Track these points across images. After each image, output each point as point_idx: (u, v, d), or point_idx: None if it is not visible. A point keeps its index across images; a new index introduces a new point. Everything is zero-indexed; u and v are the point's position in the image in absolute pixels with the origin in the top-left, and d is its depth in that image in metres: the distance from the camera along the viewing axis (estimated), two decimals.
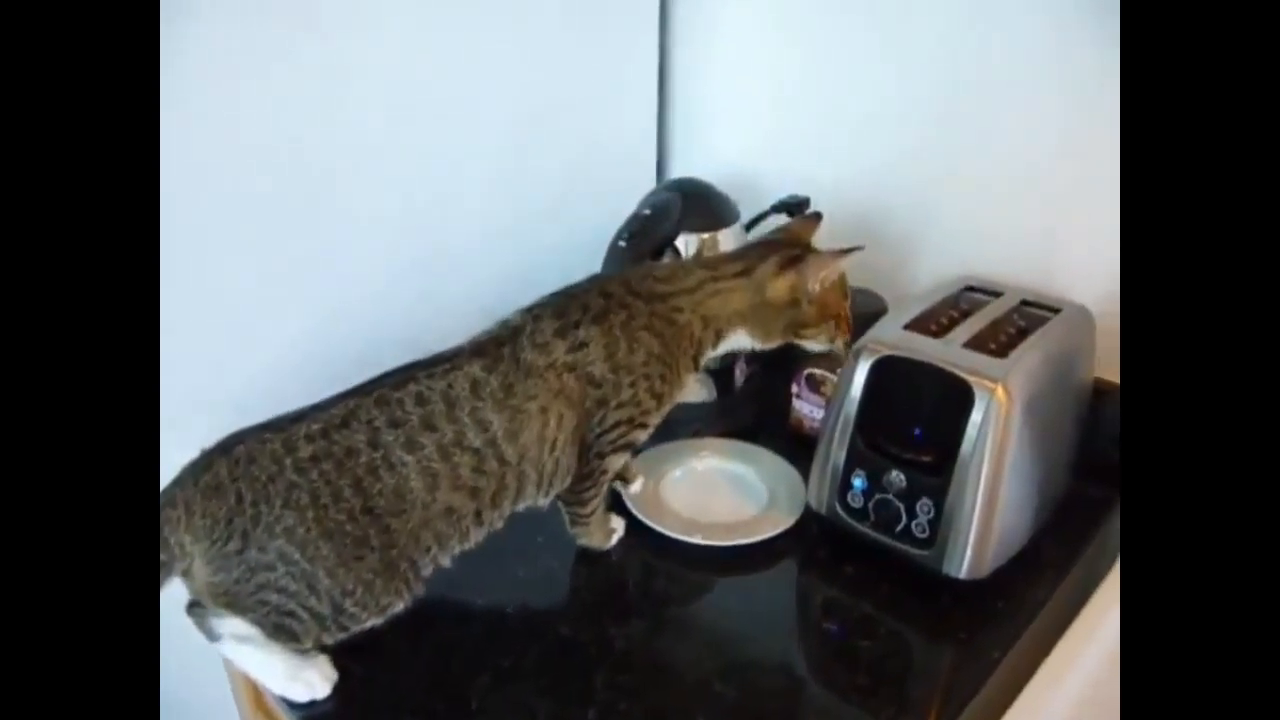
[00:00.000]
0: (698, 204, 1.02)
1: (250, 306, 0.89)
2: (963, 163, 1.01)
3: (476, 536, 0.77)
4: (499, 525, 0.78)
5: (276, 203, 0.87)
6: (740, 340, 0.85)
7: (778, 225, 1.10)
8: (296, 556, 0.67)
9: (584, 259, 0.98)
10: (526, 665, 0.75)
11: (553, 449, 0.77)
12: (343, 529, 0.68)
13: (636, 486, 0.92)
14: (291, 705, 0.71)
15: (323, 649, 0.73)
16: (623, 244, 0.94)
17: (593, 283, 0.82)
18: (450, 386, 0.73)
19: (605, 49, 1.13)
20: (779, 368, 1.02)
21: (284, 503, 0.67)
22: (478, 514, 0.75)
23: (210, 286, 0.85)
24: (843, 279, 0.87)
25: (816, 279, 0.83)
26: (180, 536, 0.67)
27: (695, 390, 1.08)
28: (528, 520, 0.81)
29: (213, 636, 0.71)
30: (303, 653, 0.72)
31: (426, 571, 0.75)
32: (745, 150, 1.23)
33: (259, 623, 0.69)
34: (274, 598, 0.68)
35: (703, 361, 0.85)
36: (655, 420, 0.83)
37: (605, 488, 0.84)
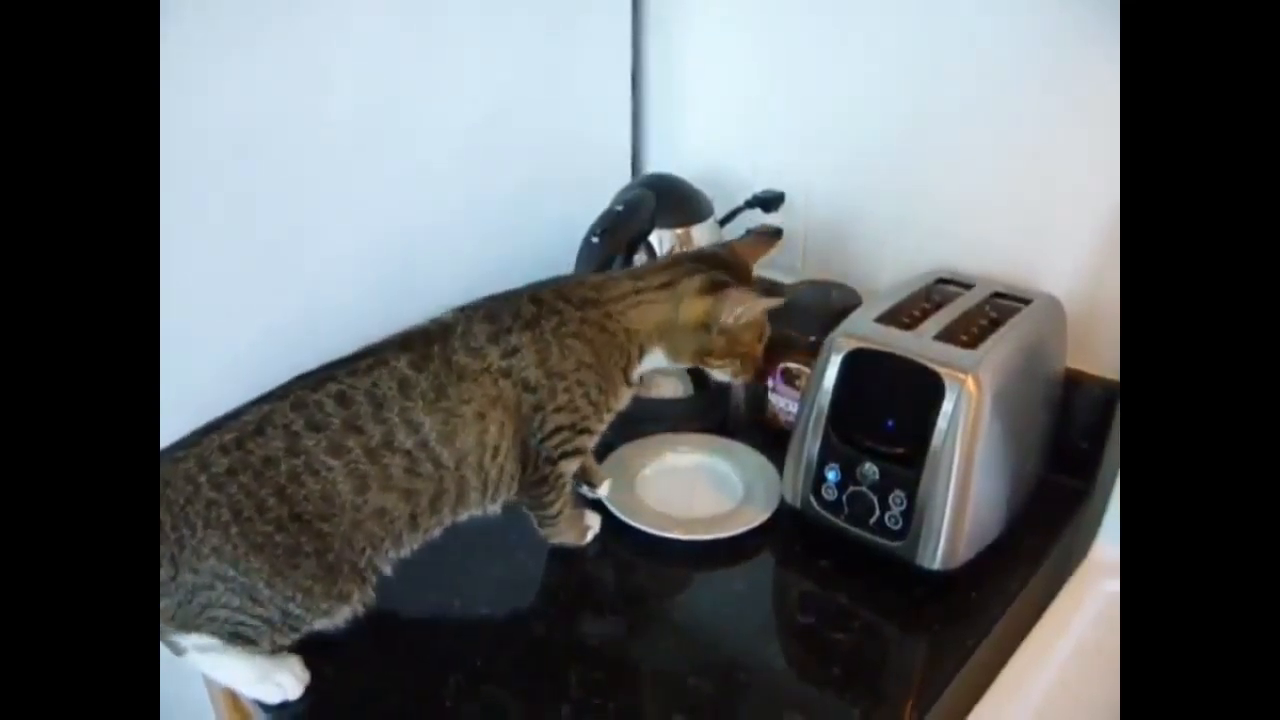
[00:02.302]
0: (671, 200, 1.02)
1: (216, 299, 0.87)
2: (936, 156, 1.01)
3: (411, 543, 0.75)
4: (436, 533, 0.76)
5: (247, 193, 0.86)
6: (658, 358, 0.83)
7: (748, 226, 1.11)
8: (231, 573, 0.66)
9: (557, 254, 0.98)
10: (500, 665, 0.74)
11: (495, 455, 0.75)
12: (272, 540, 0.67)
13: (603, 490, 0.91)
14: (265, 707, 0.70)
15: (295, 649, 0.72)
16: (595, 240, 0.94)
17: (525, 289, 0.80)
18: (375, 385, 0.71)
19: (578, 44, 1.13)
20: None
21: (205, 523, 0.65)
22: (413, 517, 0.73)
23: (176, 280, 0.83)
24: (762, 322, 0.84)
25: (732, 313, 0.80)
26: None
27: (672, 386, 1.08)
28: (501, 518, 0.80)
29: (178, 651, 0.70)
30: (272, 655, 0.71)
31: (370, 575, 0.73)
32: (719, 145, 1.22)
33: (215, 633, 0.69)
34: (220, 613, 0.67)
35: (633, 375, 0.83)
36: (599, 426, 0.82)
37: (566, 491, 0.83)
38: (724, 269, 0.83)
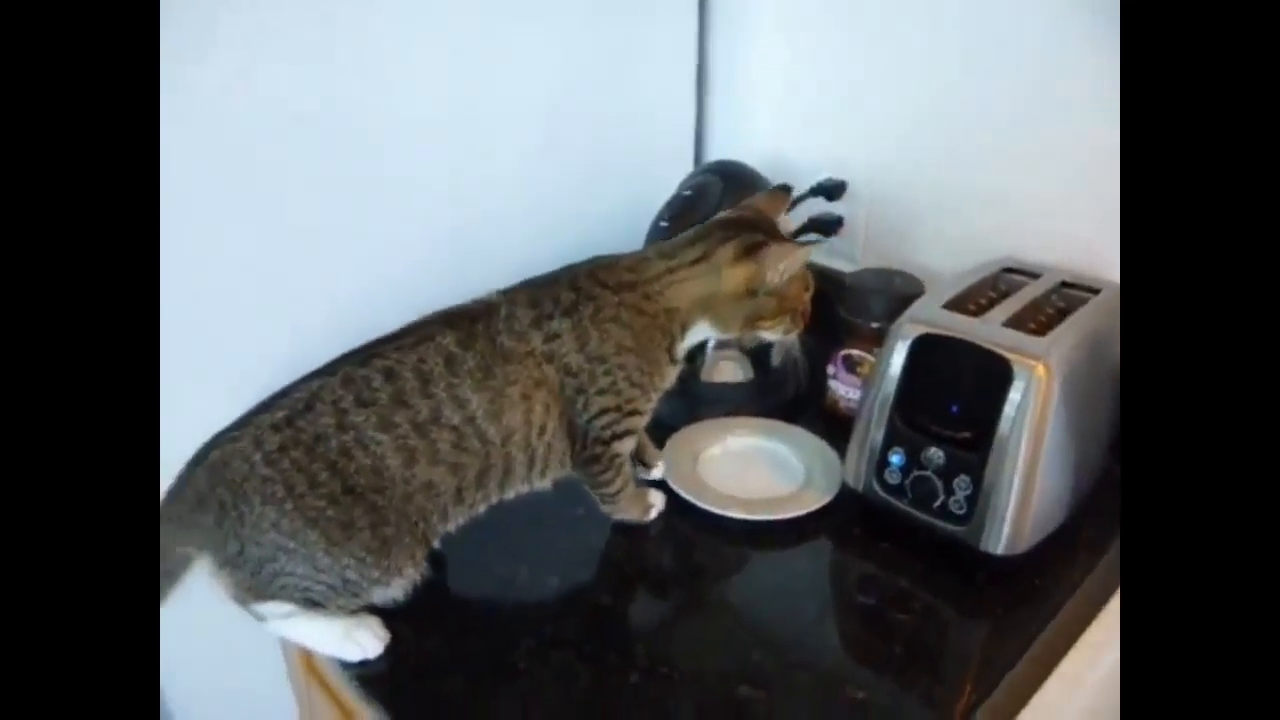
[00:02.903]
0: (737, 186, 1.02)
1: (287, 275, 0.90)
2: (1000, 144, 1.01)
3: (457, 517, 0.77)
4: (481, 509, 0.78)
5: (321, 172, 0.89)
6: (704, 330, 0.83)
7: (810, 214, 1.12)
8: (291, 545, 0.69)
9: (621, 238, 1.00)
10: (569, 632, 0.77)
11: (541, 433, 0.77)
12: (325, 513, 0.69)
13: (658, 471, 0.92)
14: (346, 665, 0.73)
15: (373, 611, 0.75)
16: (665, 224, 0.95)
17: (565, 272, 0.81)
18: (422, 361, 0.73)
19: (644, 31, 1.14)
20: (815, 348, 1.03)
21: (262, 499, 0.68)
22: (459, 492, 0.75)
23: (248, 255, 0.86)
24: (805, 273, 0.84)
25: (776, 270, 0.79)
26: (183, 549, 0.71)
27: (732, 370, 1.09)
28: (567, 493, 0.83)
29: (261, 619, 0.74)
30: (353, 614, 0.74)
31: (421, 548, 0.75)
32: (781, 133, 1.23)
33: (289, 600, 0.72)
34: (289, 580, 0.70)
35: (678, 353, 0.83)
36: (646, 406, 0.82)
37: (625, 471, 0.83)
38: (753, 229, 0.82)
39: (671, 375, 0.84)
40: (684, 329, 0.82)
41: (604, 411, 0.78)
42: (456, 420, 0.73)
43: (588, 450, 0.80)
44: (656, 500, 0.89)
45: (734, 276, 0.80)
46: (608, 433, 0.79)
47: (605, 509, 0.86)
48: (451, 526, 0.77)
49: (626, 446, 0.82)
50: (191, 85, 0.78)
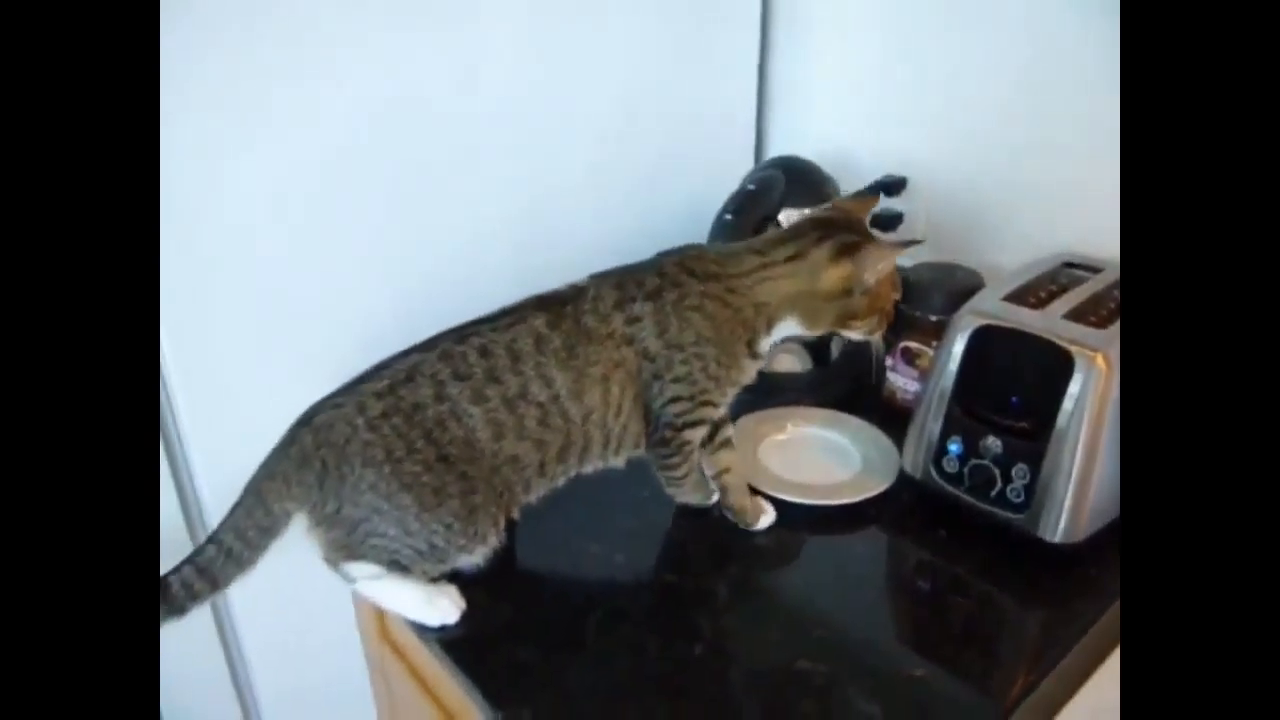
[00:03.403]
0: (800, 181, 1.05)
1: (379, 260, 0.97)
2: (1061, 140, 1.02)
3: (539, 489, 0.80)
4: (560, 482, 0.81)
5: (408, 166, 0.95)
6: (791, 328, 0.83)
7: (872, 211, 1.13)
8: (385, 507, 0.73)
9: (685, 231, 1.03)
10: (636, 607, 0.80)
11: (618, 414, 0.80)
12: (419, 479, 0.73)
13: (764, 523, 0.89)
14: (426, 630, 0.78)
15: (452, 579, 0.79)
16: (729, 217, 0.98)
17: (655, 259, 0.83)
18: (515, 340, 0.76)
19: (708, 28, 1.17)
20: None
21: (363, 461, 0.73)
22: (541, 465, 0.79)
23: (321, 246, 0.93)
24: (894, 272, 0.84)
25: (874, 270, 0.80)
26: (284, 505, 0.75)
27: (791, 361, 1.12)
28: (635, 475, 0.86)
29: (349, 580, 0.79)
30: (432, 583, 0.79)
31: (503, 518, 0.78)
32: (843, 130, 1.25)
33: (376, 561, 0.76)
34: (379, 541, 0.75)
35: (760, 348, 0.83)
36: (721, 399, 0.83)
37: (693, 458, 0.85)
38: (846, 229, 0.82)
39: (751, 371, 0.84)
40: (770, 325, 0.82)
41: (677, 399, 0.80)
42: (543, 397, 0.76)
43: (658, 433, 0.82)
44: (765, 516, 0.88)
45: (830, 275, 0.80)
46: (680, 420, 0.81)
47: (669, 491, 0.88)
48: (533, 497, 0.81)
49: (697, 435, 0.83)
50: (290, 78, 0.84)
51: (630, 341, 0.78)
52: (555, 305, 0.79)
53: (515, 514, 0.81)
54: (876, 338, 0.87)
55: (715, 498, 0.91)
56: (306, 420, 0.76)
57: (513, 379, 0.75)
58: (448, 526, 0.75)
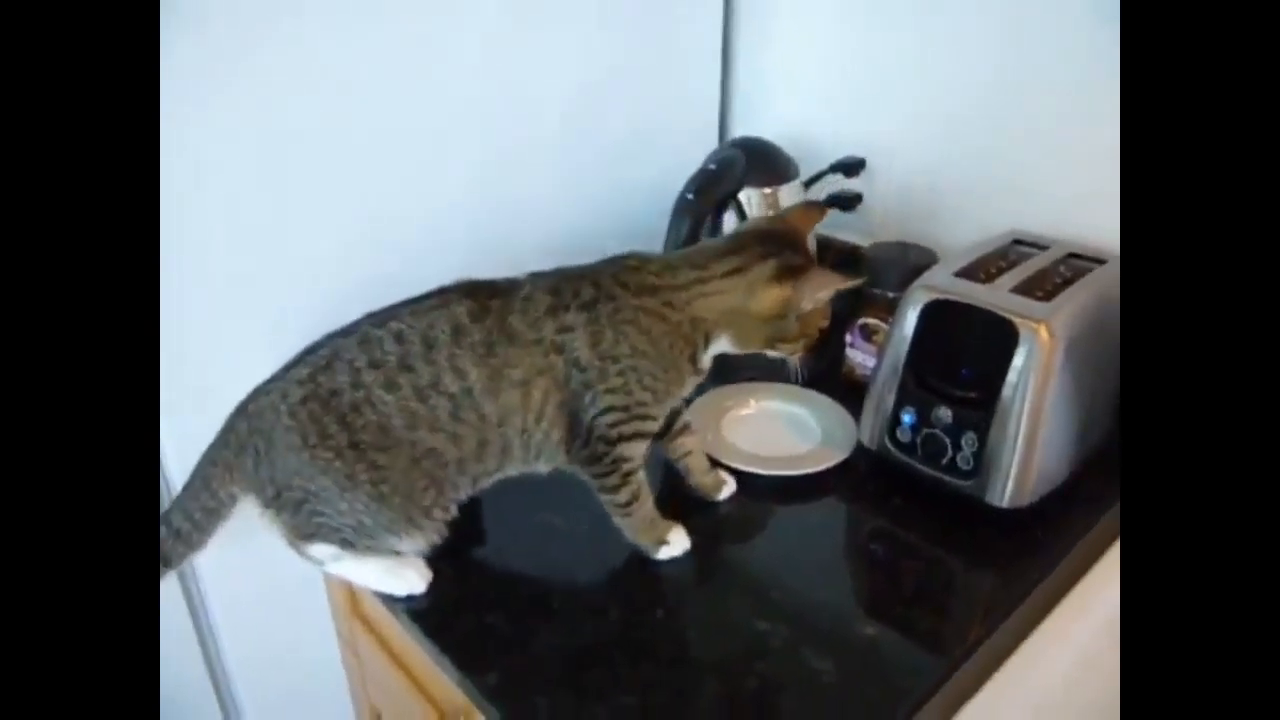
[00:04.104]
0: (760, 161, 1.08)
1: (324, 254, 0.97)
2: (1014, 122, 1.05)
3: (465, 487, 0.79)
4: (487, 483, 0.80)
5: (355, 153, 0.96)
6: (724, 345, 0.81)
7: (829, 190, 1.16)
8: (312, 489, 0.74)
9: (650, 210, 1.05)
10: (600, 574, 0.83)
11: (539, 419, 0.77)
12: (332, 465, 0.73)
13: (725, 494, 0.90)
14: (393, 600, 0.80)
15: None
16: (690, 197, 1.00)
17: (590, 269, 0.80)
18: (431, 327, 0.74)
19: (672, 13, 1.19)
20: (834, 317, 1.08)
21: (285, 446, 0.73)
22: (460, 462, 0.77)
23: (282, 233, 0.94)
24: (829, 302, 0.82)
25: (812, 298, 0.78)
26: (228, 490, 0.77)
27: None
28: None
29: (317, 562, 0.80)
30: (399, 556, 0.80)
31: (436, 513, 0.78)
32: (803, 112, 1.28)
33: (329, 541, 0.77)
34: (323, 520, 0.76)
35: (702, 362, 0.81)
36: (658, 411, 0.80)
37: (635, 482, 0.80)
38: (790, 247, 0.80)
39: (691, 384, 0.83)
40: (707, 340, 0.80)
41: (610, 409, 0.77)
42: (454, 389, 0.74)
43: (590, 448, 0.78)
44: (675, 542, 0.83)
45: (768, 296, 0.78)
46: (614, 432, 0.78)
47: (617, 520, 0.82)
48: (463, 495, 0.79)
49: (634, 450, 0.79)
50: (237, 69, 0.85)
51: (560, 350, 0.76)
52: (483, 296, 0.77)
53: (451, 509, 0.79)
54: (794, 359, 0.86)
55: (665, 553, 0.83)
56: (243, 408, 0.77)
57: (425, 368, 0.74)
58: (366, 511, 0.75)
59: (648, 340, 0.77)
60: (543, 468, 0.81)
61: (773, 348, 0.83)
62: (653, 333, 0.77)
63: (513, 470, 0.81)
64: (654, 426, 0.81)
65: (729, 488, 0.91)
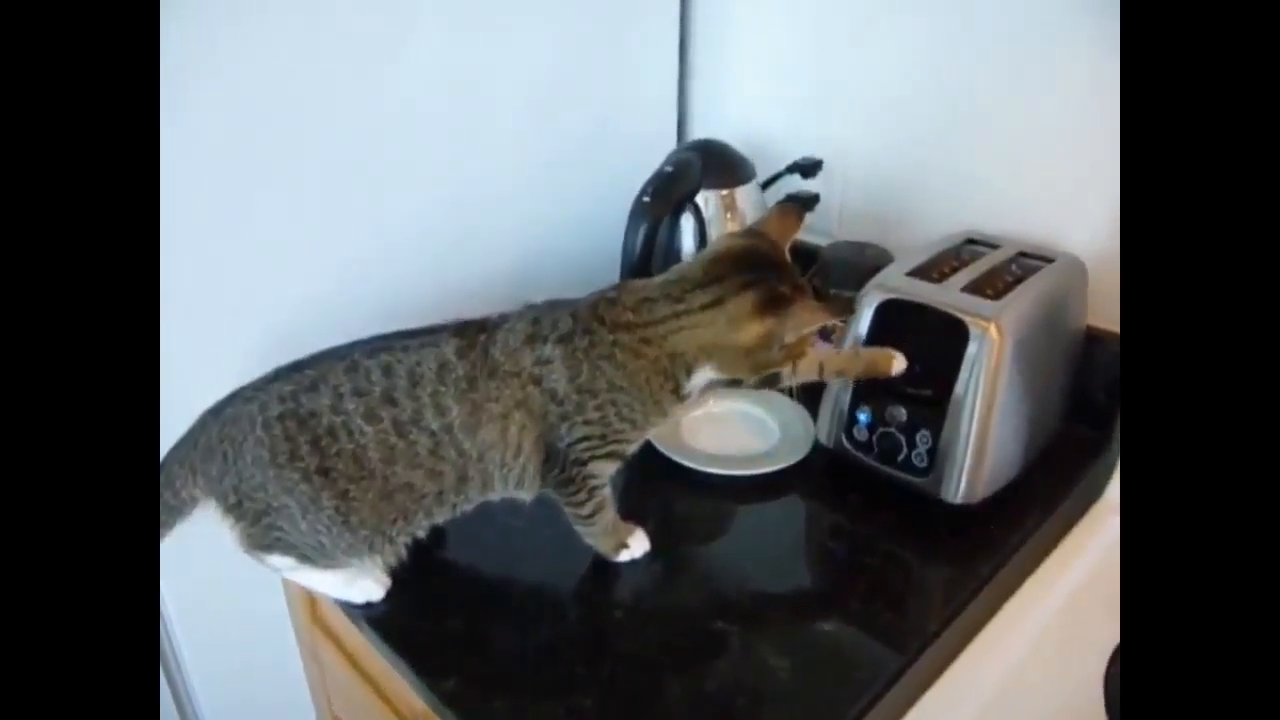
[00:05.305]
0: (717, 163, 1.09)
1: (285, 253, 0.96)
2: (967, 124, 1.07)
3: (440, 515, 0.78)
4: (468, 508, 0.80)
5: (317, 155, 0.95)
6: (709, 374, 0.78)
7: (787, 191, 1.17)
8: (275, 505, 0.74)
9: (609, 212, 1.06)
10: (560, 576, 0.83)
11: (517, 454, 0.76)
12: (296, 486, 0.72)
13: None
14: (353, 609, 0.79)
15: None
16: (647, 199, 1.01)
17: (572, 302, 0.78)
18: (419, 364, 0.74)
19: (629, 14, 1.19)
20: None
21: (251, 460, 0.72)
22: (440, 494, 0.76)
23: (244, 233, 0.93)
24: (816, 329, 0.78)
25: (797, 332, 0.75)
26: (190, 491, 0.75)
27: None
28: None
29: (272, 569, 0.79)
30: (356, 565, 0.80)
31: (401, 540, 0.78)
32: (761, 113, 1.29)
33: (286, 553, 0.76)
34: (281, 534, 0.75)
35: (685, 391, 0.78)
36: (635, 436, 0.79)
37: (601, 496, 0.80)
38: (771, 268, 0.76)
39: (676, 412, 0.80)
40: (689, 372, 0.77)
41: (587, 438, 0.76)
42: (435, 426, 0.73)
43: (565, 472, 0.77)
44: (635, 545, 0.84)
45: (751, 329, 0.75)
46: (586, 454, 0.77)
47: (578, 529, 0.82)
48: (439, 520, 0.79)
49: (604, 469, 0.79)
50: (192, 77, 0.83)
51: (538, 381, 0.75)
52: (472, 333, 0.76)
53: (422, 534, 0.79)
54: (791, 380, 0.82)
55: (625, 556, 0.84)
56: (217, 411, 0.76)
57: (408, 403, 0.73)
58: (325, 534, 0.75)
59: (624, 375, 0.76)
60: (525, 496, 0.80)
61: (759, 374, 0.79)
62: (629, 368, 0.75)
63: (495, 497, 0.80)
64: (629, 450, 0.80)
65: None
